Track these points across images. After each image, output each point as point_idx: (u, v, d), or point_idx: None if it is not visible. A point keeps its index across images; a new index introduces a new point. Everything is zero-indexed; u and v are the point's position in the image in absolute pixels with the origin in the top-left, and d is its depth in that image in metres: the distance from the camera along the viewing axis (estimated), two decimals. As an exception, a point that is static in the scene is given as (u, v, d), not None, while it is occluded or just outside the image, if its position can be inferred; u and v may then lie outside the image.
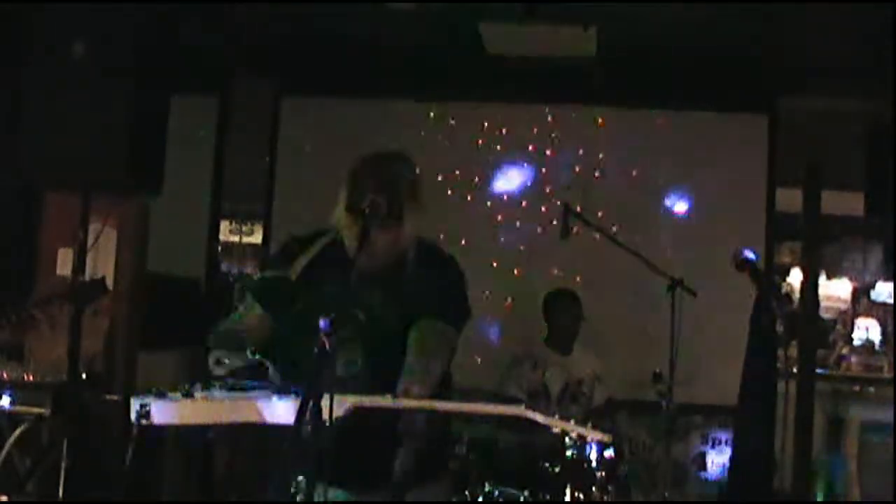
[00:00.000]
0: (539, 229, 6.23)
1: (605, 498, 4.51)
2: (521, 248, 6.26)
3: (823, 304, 7.19)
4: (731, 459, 5.58)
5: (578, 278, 6.10)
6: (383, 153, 2.77)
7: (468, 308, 2.72)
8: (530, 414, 2.20)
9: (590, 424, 2.21)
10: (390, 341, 2.54)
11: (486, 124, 6.38)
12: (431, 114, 6.37)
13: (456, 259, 2.81)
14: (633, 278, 5.81)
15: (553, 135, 6.36)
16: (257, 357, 2.47)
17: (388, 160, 2.73)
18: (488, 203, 6.31)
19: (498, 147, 6.36)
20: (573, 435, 2.23)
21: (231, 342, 2.51)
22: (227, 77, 6.24)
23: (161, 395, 2.23)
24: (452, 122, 6.35)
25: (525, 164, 6.35)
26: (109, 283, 4.91)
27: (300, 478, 2.36)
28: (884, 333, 7.96)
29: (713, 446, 6.23)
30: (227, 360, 2.46)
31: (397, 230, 2.61)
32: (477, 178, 6.33)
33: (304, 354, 2.10)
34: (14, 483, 3.71)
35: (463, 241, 5.67)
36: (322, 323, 2.06)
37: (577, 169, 6.29)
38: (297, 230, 2.88)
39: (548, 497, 4.50)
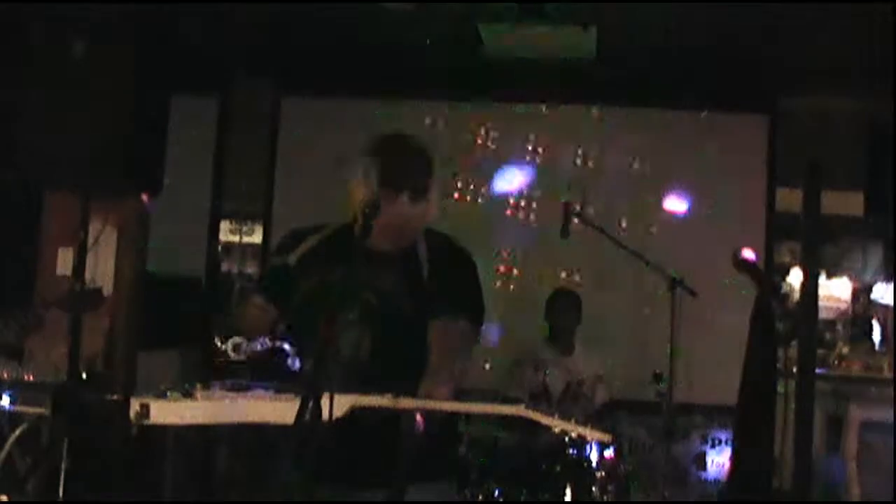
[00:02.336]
0: (539, 229, 6.24)
1: (605, 498, 4.52)
2: (521, 248, 6.26)
3: (823, 304, 7.19)
4: (731, 459, 5.58)
5: (578, 278, 6.11)
6: (402, 133, 2.74)
7: (483, 305, 2.70)
8: (530, 414, 2.19)
9: (590, 424, 2.20)
10: (399, 326, 2.53)
11: (485, 124, 6.39)
12: (431, 114, 6.37)
13: (470, 253, 2.79)
14: (633, 278, 5.82)
15: (553, 135, 6.36)
16: (276, 343, 2.46)
17: (412, 138, 2.71)
18: (488, 203, 6.31)
19: (498, 147, 6.37)
20: (573, 435, 2.21)
21: (235, 332, 2.51)
22: (227, 77, 6.24)
23: (161, 395, 2.23)
24: (453, 122, 6.35)
25: (525, 164, 6.35)
26: (109, 283, 4.92)
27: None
28: (884, 333, 7.95)
29: (713, 446, 6.23)
30: (245, 346, 2.46)
31: (425, 204, 2.61)
32: (477, 178, 6.33)
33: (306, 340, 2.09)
34: (14, 483, 3.71)
35: (462, 242, 5.68)
36: (321, 323, 2.05)
37: (577, 168, 6.29)
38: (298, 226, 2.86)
39: (548, 497, 4.50)
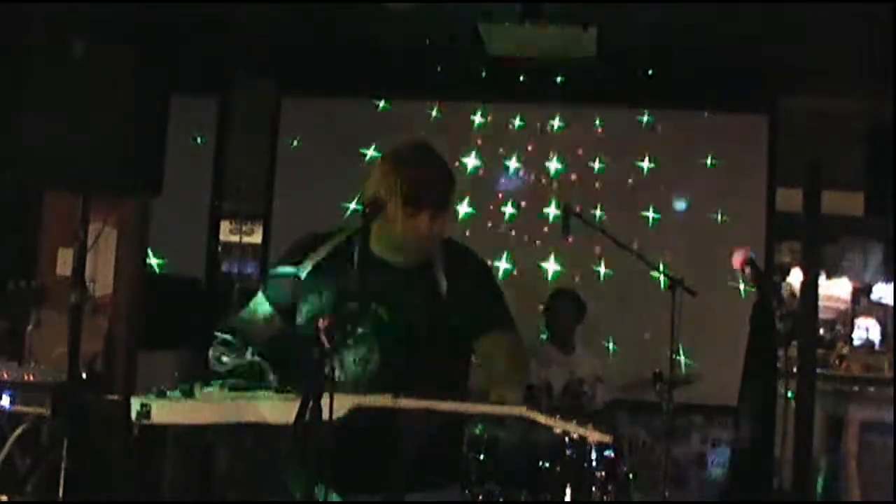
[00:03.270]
0: (539, 229, 6.24)
1: (605, 498, 4.52)
2: (522, 248, 6.26)
3: (823, 304, 7.19)
4: (731, 459, 5.59)
5: (578, 278, 6.11)
6: (425, 143, 2.68)
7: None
8: (530, 414, 2.19)
9: (590, 424, 2.20)
10: (412, 342, 2.49)
11: (486, 124, 6.39)
12: (431, 114, 6.37)
13: (488, 263, 2.77)
14: (633, 278, 5.82)
15: (553, 134, 6.36)
16: (257, 358, 2.45)
17: (432, 149, 2.64)
18: (488, 203, 6.31)
19: (498, 147, 6.37)
20: (573, 435, 2.20)
21: (238, 339, 2.49)
22: (227, 77, 6.24)
23: (161, 395, 2.23)
24: (452, 122, 6.35)
25: (525, 164, 6.35)
26: (109, 283, 4.92)
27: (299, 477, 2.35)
28: (884, 333, 7.95)
29: (713, 446, 6.23)
30: (226, 359, 2.45)
31: (445, 219, 2.54)
32: (477, 178, 6.33)
33: (311, 352, 2.08)
34: (14, 483, 3.71)
35: (463, 242, 5.68)
36: (321, 322, 2.05)
37: (577, 169, 6.29)
38: (312, 228, 2.81)
39: (548, 497, 4.50)
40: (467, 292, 2.57)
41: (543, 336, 5.50)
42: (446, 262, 2.60)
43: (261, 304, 2.67)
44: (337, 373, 2.29)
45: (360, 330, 2.47)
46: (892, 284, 7.90)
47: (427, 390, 2.26)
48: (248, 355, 2.45)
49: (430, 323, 2.51)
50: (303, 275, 2.58)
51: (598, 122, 6.32)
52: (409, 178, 2.47)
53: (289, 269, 2.63)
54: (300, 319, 2.57)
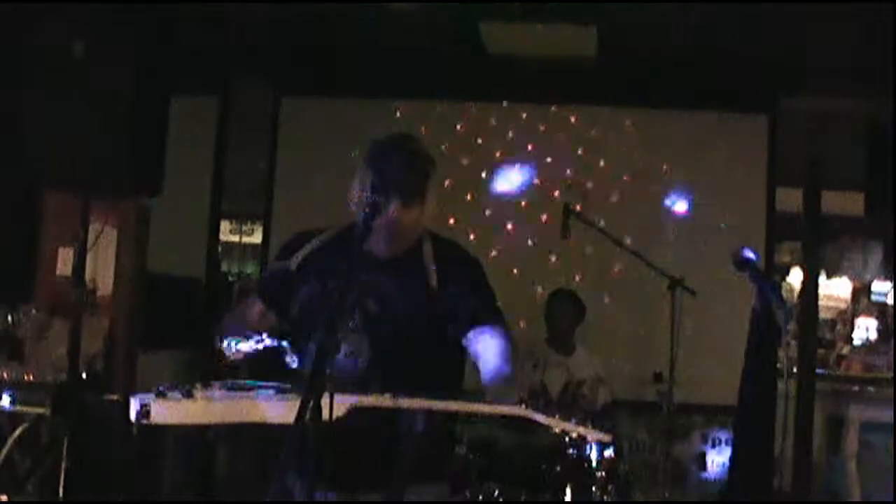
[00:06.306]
0: (539, 229, 6.23)
1: (605, 498, 4.52)
2: (521, 248, 6.26)
3: (823, 303, 7.19)
4: (731, 459, 5.59)
5: (578, 278, 6.11)
6: (404, 134, 2.71)
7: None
8: (531, 414, 2.19)
9: (590, 424, 2.20)
10: (402, 335, 2.50)
11: (486, 124, 6.39)
12: (431, 113, 6.37)
13: (478, 257, 2.77)
14: (633, 278, 5.82)
15: (553, 134, 6.36)
16: (276, 342, 2.45)
17: (411, 140, 2.68)
18: (488, 203, 6.31)
19: (498, 147, 6.36)
20: (573, 435, 2.21)
21: (236, 335, 2.50)
22: (227, 77, 6.24)
23: (161, 395, 2.23)
24: (453, 122, 6.35)
25: (525, 164, 6.34)
26: (109, 283, 4.92)
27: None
28: (884, 333, 7.96)
29: (713, 446, 6.23)
30: (242, 346, 2.45)
31: (420, 209, 2.55)
32: (477, 179, 6.33)
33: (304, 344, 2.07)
34: (14, 483, 3.71)
35: (463, 242, 5.68)
36: (321, 320, 2.05)
37: (577, 169, 6.29)
38: (302, 227, 2.84)
39: (548, 497, 4.50)
40: (457, 285, 2.59)
41: (543, 337, 5.51)
42: (436, 255, 2.61)
43: (255, 302, 2.69)
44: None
45: (350, 323, 2.48)
46: (892, 284, 7.91)
47: (419, 383, 2.26)
48: (266, 340, 2.46)
49: (420, 314, 2.52)
50: (292, 268, 2.60)
51: (598, 122, 6.32)
52: (375, 167, 2.52)
53: (279, 265, 2.65)
54: (292, 313, 2.58)
